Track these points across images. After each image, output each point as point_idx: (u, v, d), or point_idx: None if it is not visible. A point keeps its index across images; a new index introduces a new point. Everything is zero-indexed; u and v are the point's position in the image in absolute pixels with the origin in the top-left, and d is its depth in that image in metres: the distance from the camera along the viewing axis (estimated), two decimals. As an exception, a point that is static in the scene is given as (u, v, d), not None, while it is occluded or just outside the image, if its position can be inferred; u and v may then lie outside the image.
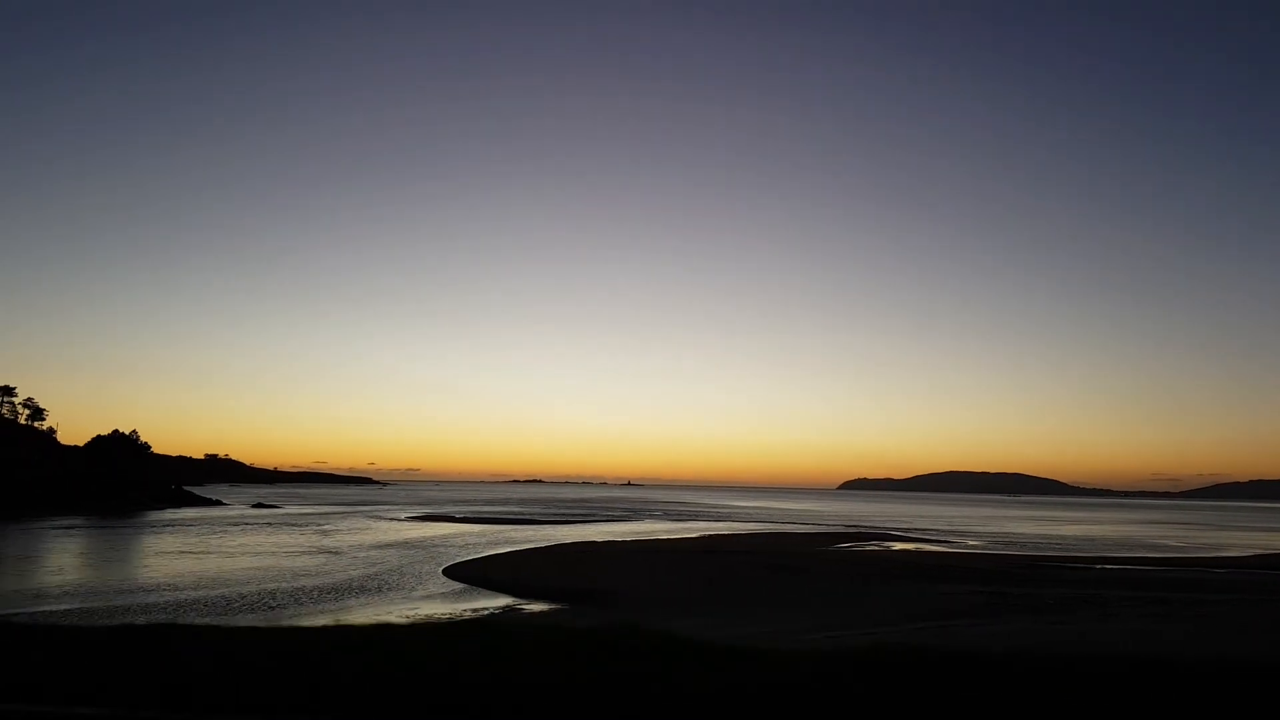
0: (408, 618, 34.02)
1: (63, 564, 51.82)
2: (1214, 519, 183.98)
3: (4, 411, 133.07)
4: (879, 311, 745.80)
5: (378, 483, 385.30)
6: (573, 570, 50.63)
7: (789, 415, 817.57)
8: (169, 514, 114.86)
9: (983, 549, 76.70)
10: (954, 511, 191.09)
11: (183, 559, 54.86)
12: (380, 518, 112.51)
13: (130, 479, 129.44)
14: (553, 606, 37.37)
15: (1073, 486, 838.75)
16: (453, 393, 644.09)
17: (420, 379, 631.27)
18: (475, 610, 36.53)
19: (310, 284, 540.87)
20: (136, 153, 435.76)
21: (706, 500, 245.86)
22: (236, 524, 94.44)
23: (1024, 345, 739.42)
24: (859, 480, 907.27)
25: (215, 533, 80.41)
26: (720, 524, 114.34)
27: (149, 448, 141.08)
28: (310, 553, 61.40)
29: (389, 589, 43.30)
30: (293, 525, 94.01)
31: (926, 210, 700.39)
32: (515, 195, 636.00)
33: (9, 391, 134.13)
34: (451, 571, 51.18)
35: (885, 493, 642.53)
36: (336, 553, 61.61)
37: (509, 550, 65.63)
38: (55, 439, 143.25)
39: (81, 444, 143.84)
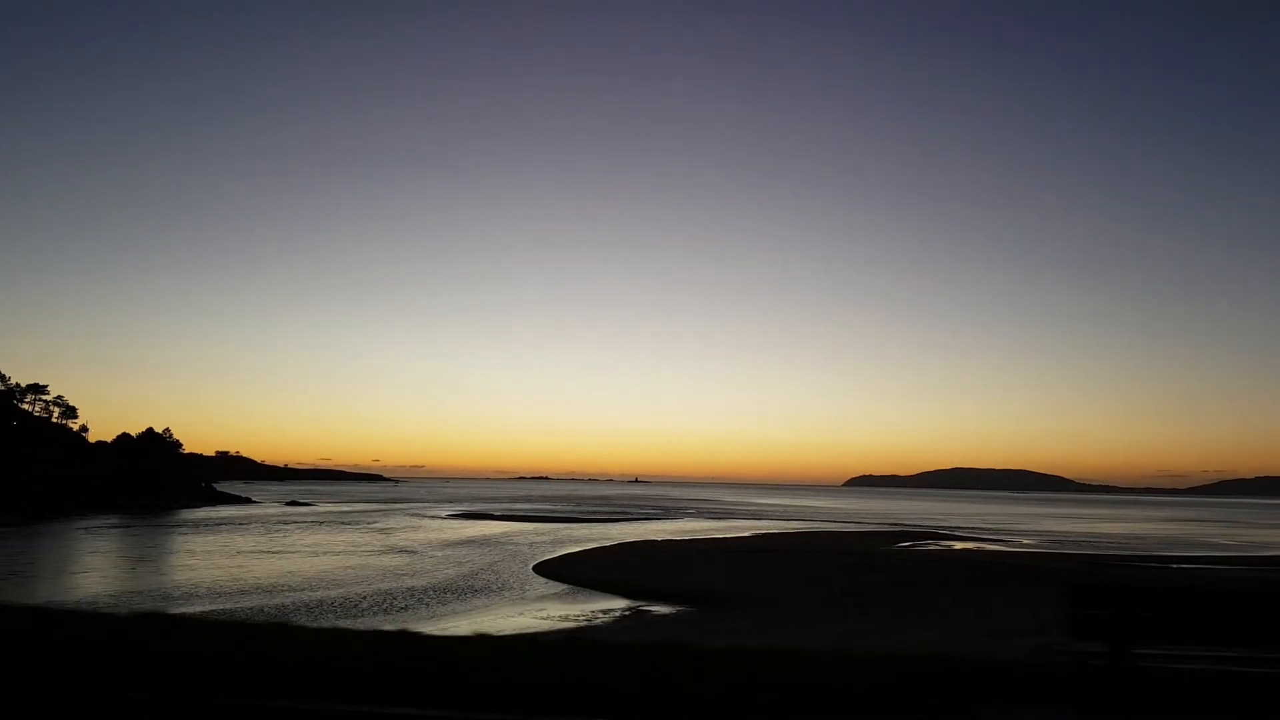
0: (547, 620, 33.86)
1: (160, 562, 51.68)
2: (1239, 516, 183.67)
3: (36, 410, 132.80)
4: (884, 308, 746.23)
5: (391, 480, 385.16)
6: (664, 570, 50.27)
7: (793, 411, 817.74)
8: (208, 512, 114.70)
9: (1046, 548, 76.43)
10: (977, 509, 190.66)
11: (271, 558, 54.62)
12: (422, 515, 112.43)
13: (163, 477, 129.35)
14: (677, 609, 36.95)
15: (1078, 483, 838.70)
16: (456, 390, 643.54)
17: (423, 376, 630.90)
18: (604, 612, 36.24)
19: (318, 282, 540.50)
20: (141, 153, 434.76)
21: (727, 498, 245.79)
22: (288, 522, 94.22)
23: (1028, 342, 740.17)
24: (865, 477, 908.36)
25: (276, 531, 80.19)
26: (761, 522, 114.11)
27: (180, 445, 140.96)
28: (387, 552, 61.19)
29: (499, 589, 43.03)
30: (345, 523, 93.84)
31: (932, 207, 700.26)
32: (521, 193, 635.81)
33: (40, 390, 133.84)
34: (543, 570, 50.93)
35: (892, 489, 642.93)
36: (413, 552, 61.40)
37: (581, 549, 65.39)
38: (84, 438, 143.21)
39: (94, 442, 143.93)
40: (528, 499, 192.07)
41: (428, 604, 37.54)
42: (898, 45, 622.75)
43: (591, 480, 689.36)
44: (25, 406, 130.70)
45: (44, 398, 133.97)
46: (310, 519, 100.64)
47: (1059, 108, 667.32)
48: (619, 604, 38.65)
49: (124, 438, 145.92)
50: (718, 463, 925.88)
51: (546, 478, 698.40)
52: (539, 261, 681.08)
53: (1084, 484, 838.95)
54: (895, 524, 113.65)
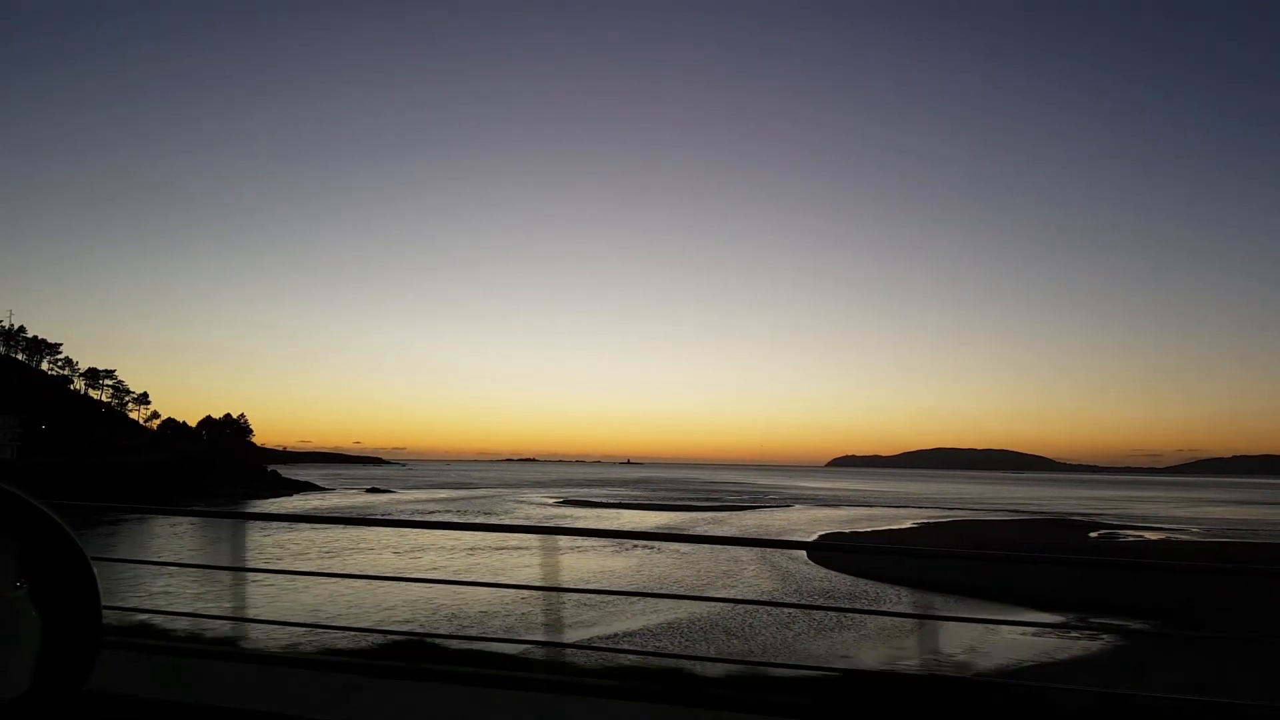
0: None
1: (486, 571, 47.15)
2: (1267, 495, 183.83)
3: (105, 396, 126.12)
4: (864, 289, 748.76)
5: (397, 463, 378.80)
6: (984, 571, 46.64)
7: (772, 391, 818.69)
8: (297, 501, 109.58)
9: (1247, 538, 74.44)
10: (1013, 493, 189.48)
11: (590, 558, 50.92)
12: (528, 503, 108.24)
13: (239, 464, 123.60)
14: (1141, 625, 33.53)
15: (1058, 463, 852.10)
16: (433, 371, 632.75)
17: (401, 356, 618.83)
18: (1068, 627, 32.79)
19: (300, 264, 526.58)
20: (135, 144, 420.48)
21: (763, 480, 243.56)
22: (423, 512, 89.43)
23: (1008, 323, 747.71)
24: (847, 457, 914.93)
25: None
26: (882, 509, 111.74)
27: (251, 432, 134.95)
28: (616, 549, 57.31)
29: (869, 596, 39.38)
30: (484, 513, 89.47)
31: (914, 191, 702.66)
32: (507, 174, 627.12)
33: (108, 375, 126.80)
34: (838, 567, 47.62)
35: (879, 470, 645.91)
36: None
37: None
38: (147, 426, 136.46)
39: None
40: (569, 483, 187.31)
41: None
42: (883, 29, 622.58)
43: (580, 462, 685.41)
44: (95, 394, 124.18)
45: (108, 382, 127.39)
46: (434, 508, 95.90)
47: (1036, 94, 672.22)
48: (1046, 617, 35.08)
49: (177, 424, 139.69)
50: (701, 443, 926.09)
51: (534, 459, 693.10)
52: (521, 242, 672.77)
53: (1064, 463, 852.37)
54: (1017, 512, 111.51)
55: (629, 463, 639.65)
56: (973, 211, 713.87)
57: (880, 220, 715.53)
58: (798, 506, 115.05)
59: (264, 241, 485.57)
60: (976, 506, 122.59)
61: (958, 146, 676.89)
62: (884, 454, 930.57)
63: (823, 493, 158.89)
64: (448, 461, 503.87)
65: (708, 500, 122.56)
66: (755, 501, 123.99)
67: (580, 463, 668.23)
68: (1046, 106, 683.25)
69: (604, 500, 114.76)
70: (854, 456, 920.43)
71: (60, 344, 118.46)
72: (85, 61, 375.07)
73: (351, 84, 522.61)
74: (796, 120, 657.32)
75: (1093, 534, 76.63)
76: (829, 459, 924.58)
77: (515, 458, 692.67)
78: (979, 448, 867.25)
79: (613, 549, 57.25)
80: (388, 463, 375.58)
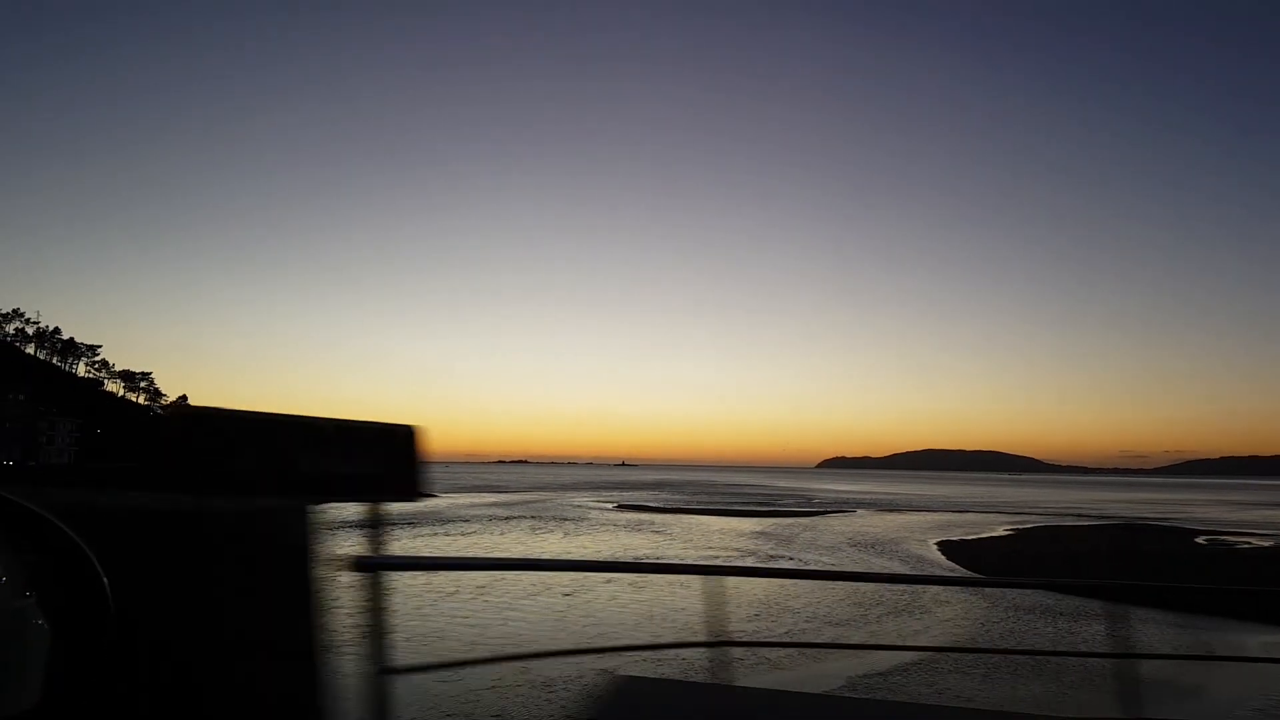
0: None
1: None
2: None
3: (141, 399, 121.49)
4: (855, 292, 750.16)
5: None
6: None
7: (763, 394, 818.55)
8: (348, 507, 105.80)
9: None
10: (1036, 495, 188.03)
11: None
12: (587, 507, 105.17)
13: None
14: None
15: (1047, 464, 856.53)
16: (423, 371, 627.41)
17: (396, 358, 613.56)
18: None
19: (296, 266, 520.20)
20: (129, 143, 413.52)
21: (780, 483, 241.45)
22: (495, 519, 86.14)
23: (996, 324, 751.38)
24: (838, 459, 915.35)
25: (535, 530, 72.49)
26: (935, 515, 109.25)
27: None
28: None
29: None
30: (562, 518, 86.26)
31: (907, 195, 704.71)
32: (506, 182, 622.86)
33: (141, 377, 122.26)
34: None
35: (874, 471, 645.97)
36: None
37: (923, 552, 59.52)
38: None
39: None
40: (592, 486, 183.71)
41: None
42: (881, 36, 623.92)
43: (572, 463, 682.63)
44: (132, 396, 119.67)
45: (143, 384, 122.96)
46: (499, 513, 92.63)
47: (1025, 101, 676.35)
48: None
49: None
50: (691, 445, 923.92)
51: (524, 461, 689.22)
52: (512, 245, 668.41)
53: (1053, 464, 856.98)
54: (1081, 516, 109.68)
55: (624, 464, 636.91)
56: (961, 216, 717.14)
57: (870, 224, 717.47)
58: (861, 512, 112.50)
59: (254, 243, 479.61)
60: (1033, 511, 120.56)
61: (952, 154, 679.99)
62: (874, 455, 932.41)
63: (860, 496, 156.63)
64: (445, 464, 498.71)
65: (760, 505, 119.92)
66: (807, 507, 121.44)
67: (573, 464, 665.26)
68: (1038, 114, 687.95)
69: (664, 505, 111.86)
70: (844, 458, 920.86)
71: (100, 345, 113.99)
72: (121, 64, 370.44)
73: (354, 88, 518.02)
74: (795, 128, 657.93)
75: (1199, 540, 74.56)
76: (819, 460, 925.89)
77: (506, 459, 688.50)
78: (968, 449, 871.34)
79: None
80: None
